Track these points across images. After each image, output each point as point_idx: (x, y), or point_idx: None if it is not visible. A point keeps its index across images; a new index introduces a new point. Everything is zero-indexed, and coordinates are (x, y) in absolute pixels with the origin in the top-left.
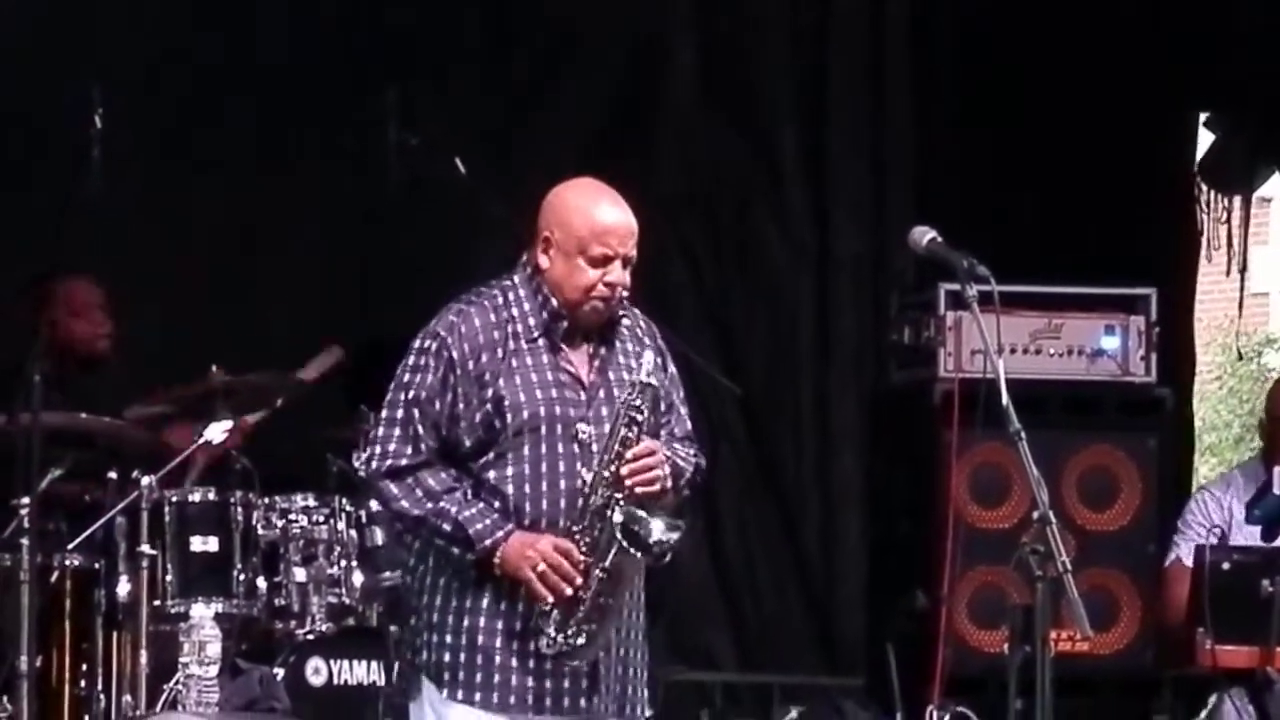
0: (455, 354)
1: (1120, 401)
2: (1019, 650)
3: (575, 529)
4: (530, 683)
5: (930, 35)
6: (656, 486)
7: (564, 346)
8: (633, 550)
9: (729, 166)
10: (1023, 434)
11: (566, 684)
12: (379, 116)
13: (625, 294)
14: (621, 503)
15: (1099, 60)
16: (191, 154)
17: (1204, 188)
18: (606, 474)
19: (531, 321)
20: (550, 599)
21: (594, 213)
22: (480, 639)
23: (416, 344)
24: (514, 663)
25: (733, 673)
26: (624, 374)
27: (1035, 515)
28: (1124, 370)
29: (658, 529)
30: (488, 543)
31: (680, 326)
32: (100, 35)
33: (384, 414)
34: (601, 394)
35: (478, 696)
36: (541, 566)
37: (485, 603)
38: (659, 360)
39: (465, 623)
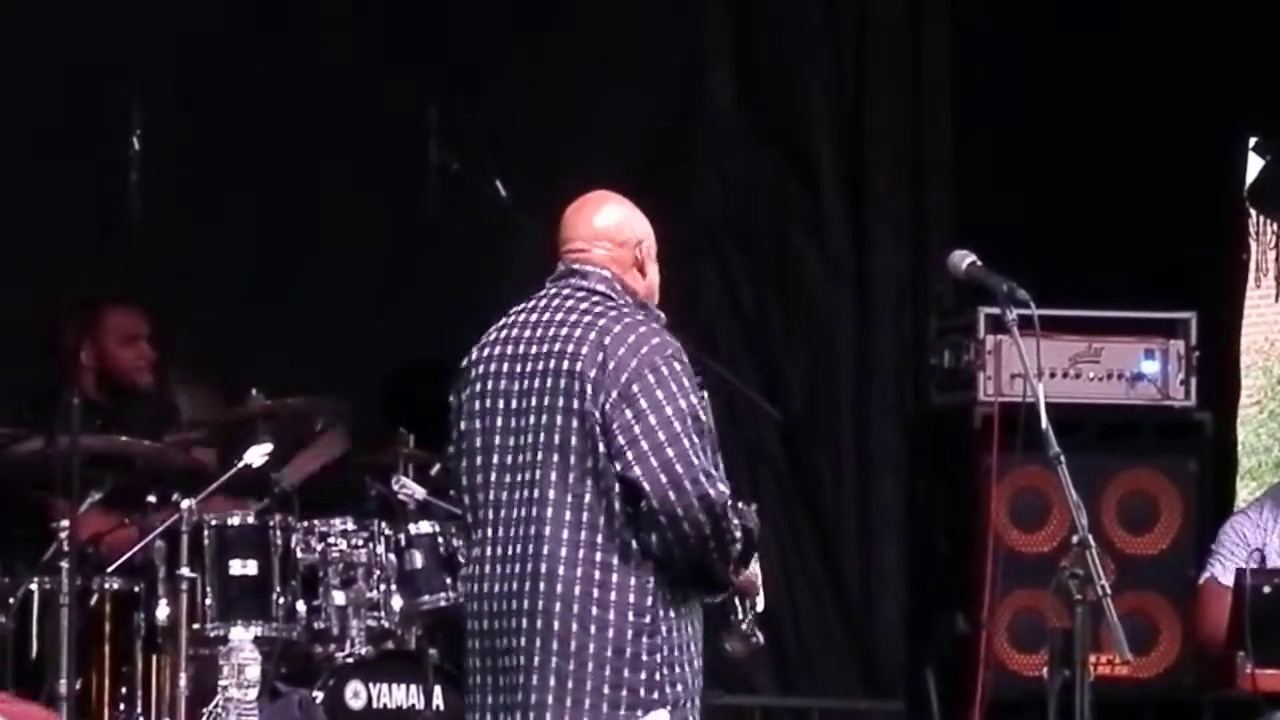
0: None
1: (1160, 425)
2: (1058, 674)
3: None
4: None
5: (972, 55)
6: None
7: None
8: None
9: (766, 186)
10: (1062, 458)
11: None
12: (419, 137)
13: None
14: None
15: (1147, 84)
16: (230, 176)
17: (1252, 212)
18: None
19: None
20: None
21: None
22: (694, 659)
23: (679, 365)
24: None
25: (772, 697)
26: None
27: (1075, 539)
28: (1164, 394)
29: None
30: None
31: (718, 349)
32: (135, 54)
33: (690, 442)
34: None
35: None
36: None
37: (688, 622)
38: None
39: (692, 648)
